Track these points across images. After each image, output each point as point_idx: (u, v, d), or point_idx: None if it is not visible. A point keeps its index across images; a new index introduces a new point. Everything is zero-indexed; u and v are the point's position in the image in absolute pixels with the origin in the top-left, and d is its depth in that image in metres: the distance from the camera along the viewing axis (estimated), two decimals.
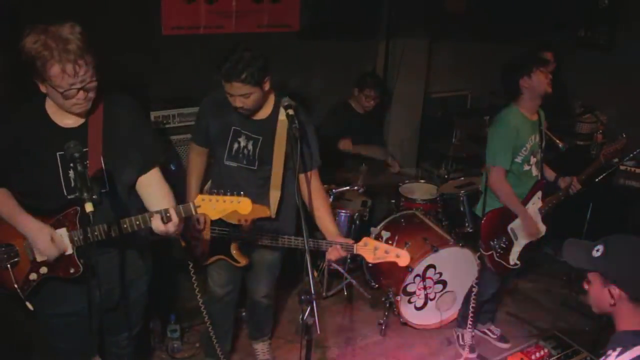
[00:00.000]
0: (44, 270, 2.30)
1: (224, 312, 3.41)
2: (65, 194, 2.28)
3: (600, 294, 1.84)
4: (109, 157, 2.32)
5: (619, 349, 1.76)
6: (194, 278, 3.06)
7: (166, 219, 2.23)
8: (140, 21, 3.98)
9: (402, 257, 2.79)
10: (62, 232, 2.26)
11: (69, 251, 2.28)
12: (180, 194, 2.72)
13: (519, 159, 3.36)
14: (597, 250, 1.84)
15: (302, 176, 2.93)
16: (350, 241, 2.81)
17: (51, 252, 2.22)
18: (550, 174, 3.63)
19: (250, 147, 2.96)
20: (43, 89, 2.13)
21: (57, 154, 2.24)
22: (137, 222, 2.26)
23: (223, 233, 3.05)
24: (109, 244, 2.32)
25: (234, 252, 3.07)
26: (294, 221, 3.15)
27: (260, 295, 3.44)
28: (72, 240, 2.27)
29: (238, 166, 2.99)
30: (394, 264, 3.93)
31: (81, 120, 2.29)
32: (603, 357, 1.78)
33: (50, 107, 2.26)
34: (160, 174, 2.52)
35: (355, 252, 2.80)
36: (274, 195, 3.01)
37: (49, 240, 2.21)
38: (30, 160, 2.23)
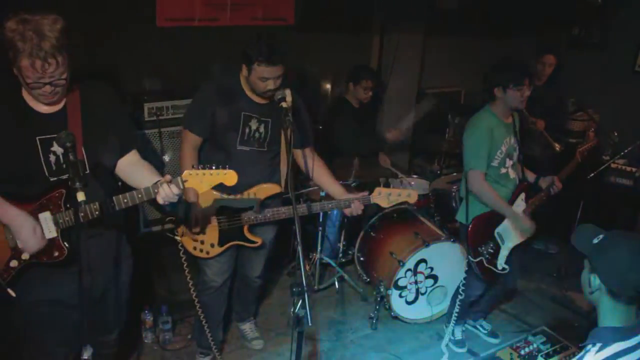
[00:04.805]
0: (25, 256, 2.28)
1: (220, 300, 3.42)
2: (48, 176, 2.29)
3: (586, 279, 1.88)
4: (89, 142, 2.33)
5: (598, 345, 1.79)
6: (185, 265, 3.01)
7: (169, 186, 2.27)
8: (135, 12, 3.96)
9: (412, 195, 3.15)
10: (46, 215, 2.25)
11: (53, 234, 2.26)
12: None
13: (495, 163, 3.33)
14: (598, 238, 1.86)
15: (301, 152, 3.25)
16: (365, 193, 3.12)
17: (32, 245, 2.21)
18: (530, 176, 3.60)
19: (262, 129, 3.07)
20: (16, 72, 2.13)
21: (37, 138, 2.24)
22: (139, 195, 2.27)
23: (236, 221, 3.07)
24: (94, 227, 2.37)
25: (248, 234, 3.12)
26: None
27: (255, 274, 3.52)
28: (56, 223, 2.26)
29: (250, 150, 3.07)
30: (386, 258, 3.99)
31: (58, 107, 2.29)
32: (583, 352, 1.81)
33: (27, 93, 2.24)
34: (138, 155, 2.56)
35: (371, 202, 3.12)
36: (283, 171, 3.17)
37: (32, 232, 2.20)
38: (9, 146, 2.21)
